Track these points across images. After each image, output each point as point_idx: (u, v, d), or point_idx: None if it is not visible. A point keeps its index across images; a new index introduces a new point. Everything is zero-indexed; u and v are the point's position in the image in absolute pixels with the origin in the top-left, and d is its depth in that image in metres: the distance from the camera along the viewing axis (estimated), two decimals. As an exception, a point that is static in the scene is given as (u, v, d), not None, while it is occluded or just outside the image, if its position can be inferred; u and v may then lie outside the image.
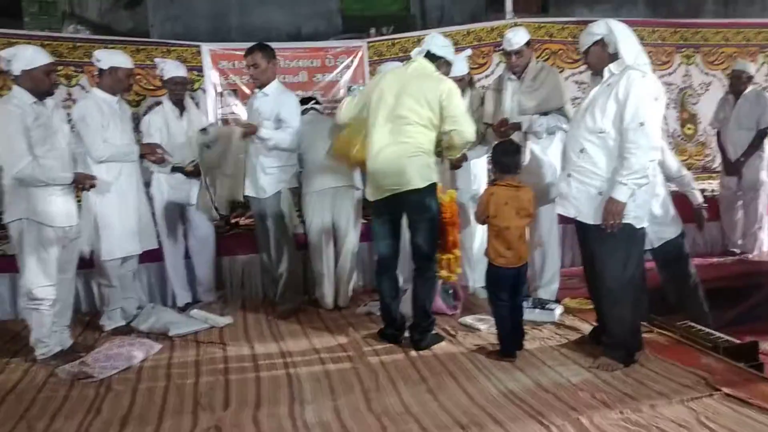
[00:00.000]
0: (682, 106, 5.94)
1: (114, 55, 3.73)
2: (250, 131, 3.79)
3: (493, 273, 3.17)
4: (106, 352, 3.29)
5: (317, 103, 4.33)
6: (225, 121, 5.00)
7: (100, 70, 3.65)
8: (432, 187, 3.25)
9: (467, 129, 3.25)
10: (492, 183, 3.25)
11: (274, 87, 3.93)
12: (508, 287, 3.12)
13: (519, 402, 2.67)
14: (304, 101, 4.26)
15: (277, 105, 3.88)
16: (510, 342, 3.17)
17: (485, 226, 3.22)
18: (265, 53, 3.86)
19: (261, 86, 3.93)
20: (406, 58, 3.73)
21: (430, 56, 3.33)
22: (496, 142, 3.57)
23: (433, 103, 3.15)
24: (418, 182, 3.19)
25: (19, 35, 4.66)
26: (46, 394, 2.96)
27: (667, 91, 5.74)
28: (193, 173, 4.05)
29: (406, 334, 3.43)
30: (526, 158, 3.80)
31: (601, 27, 2.92)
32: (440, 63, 3.36)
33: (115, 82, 3.64)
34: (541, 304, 3.80)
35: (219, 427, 2.56)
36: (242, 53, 4.05)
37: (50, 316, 3.26)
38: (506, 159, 3.13)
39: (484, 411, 2.60)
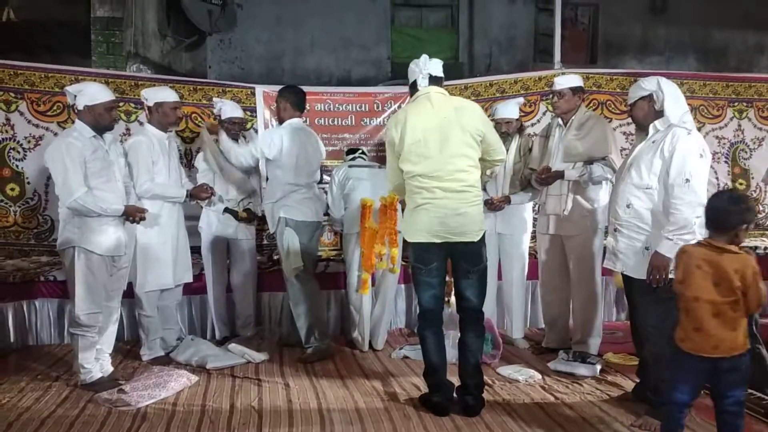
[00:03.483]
0: (733, 161, 5.79)
1: (159, 91, 3.89)
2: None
3: (674, 358, 2.47)
4: (145, 381, 3.34)
5: (363, 153, 4.43)
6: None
7: (149, 108, 3.81)
8: (484, 236, 3.14)
9: (501, 154, 3.20)
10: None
11: (286, 124, 4.03)
12: (691, 381, 2.40)
13: (556, 458, 2.58)
14: (351, 151, 4.45)
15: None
16: None
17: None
18: (280, 96, 4.04)
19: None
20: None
21: (435, 80, 3.14)
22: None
23: (476, 136, 3.04)
24: (478, 233, 3.07)
25: (86, 72, 4.91)
26: (83, 419, 3.01)
27: (719, 146, 5.63)
28: (245, 219, 4.17)
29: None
30: (568, 207, 3.77)
31: (652, 83, 2.95)
32: (442, 83, 3.19)
33: (162, 116, 3.78)
34: (582, 357, 3.70)
35: (249, 464, 2.56)
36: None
37: (95, 342, 3.35)
38: (718, 210, 2.40)
39: (520, 465, 2.52)
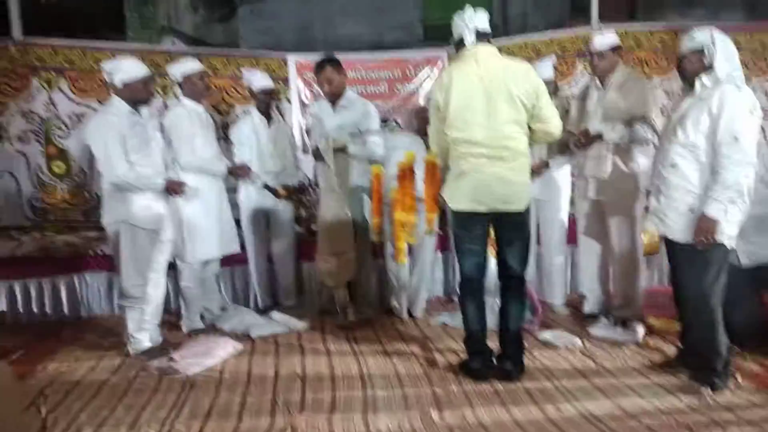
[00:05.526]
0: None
1: (182, 65, 3.91)
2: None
3: None
4: (193, 350, 3.46)
5: (396, 122, 4.38)
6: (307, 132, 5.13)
7: (179, 84, 3.84)
8: (530, 206, 3.07)
9: (557, 130, 3.02)
10: None
11: (349, 98, 4.00)
12: None
13: (599, 424, 2.58)
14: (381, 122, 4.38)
15: (358, 115, 3.95)
16: None
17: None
18: (335, 66, 3.91)
19: (334, 100, 3.99)
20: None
21: (482, 36, 2.99)
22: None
23: (526, 103, 2.89)
24: (525, 203, 3.00)
25: (122, 49, 4.98)
26: (136, 387, 3.14)
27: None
28: (285, 196, 4.22)
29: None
30: (608, 170, 3.68)
31: (705, 36, 2.82)
32: (489, 38, 3.03)
33: (192, 87, 3.82)
34: (623, 322, 3.67)
35: (294, 429, 2.62)
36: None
37: (143, 313, 3.47)
38: None
39: (560, 429, 2.54)
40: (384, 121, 4.44)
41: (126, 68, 3.38)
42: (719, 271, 2.80)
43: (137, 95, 3.39)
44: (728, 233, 2.74)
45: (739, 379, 2.94)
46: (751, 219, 3.05)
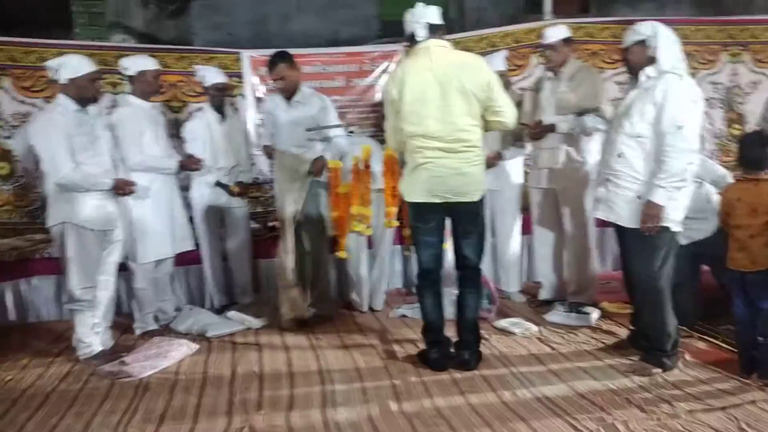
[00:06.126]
0: (728, 106, 5.72)
1: (139, 60, 3.81)
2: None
3: (728, 277, 2.90)
4: (146, 352, 3.38)
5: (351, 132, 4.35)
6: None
7: (130, 77, 3.74)
8: (484, 196, 3.09)
9: (510, 119, 3.03)
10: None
11: (304, 93, 3.96)
12: (739, 292, 2.81)
13: (553, 406, 2.63)
14: None
15: (315, 110, 3.92)
16: (747, 359, 2.83)
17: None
18: (287, 62, 3.84)
19: (289, 96, 3.93)
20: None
21: (434, 29, 3.00)
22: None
23: (479, 96, 2.91)
24: (479, 194, 3.03)
25: (69, 45, 4.83)
26: (87, 392, 3.04)
27: (714, 91, 5.56)
28: (238, 194, 4.16)
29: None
30: (561, 160, 3.74)
31: (647, 28, 2.90)
32: (442, 32, 3.05)
33: (145, 85, 3.73)
34: (577, 308, 3.73)
35: (252, 427, 2.58)
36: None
37: (92, 317, 3.37)
38: (749, 151, 2.81)
39: (516, 414, 2.57)
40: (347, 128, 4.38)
41: (72, 64, 3.27)
42: (667, 255, 2.87)
43: (84, 93, 3.28)
44: (673, 218, 2.81)
45: (687, 357, 3.03)
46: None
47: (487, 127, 3.06)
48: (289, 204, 3.82)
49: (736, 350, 2.97)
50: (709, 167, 3.47)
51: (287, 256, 3.84)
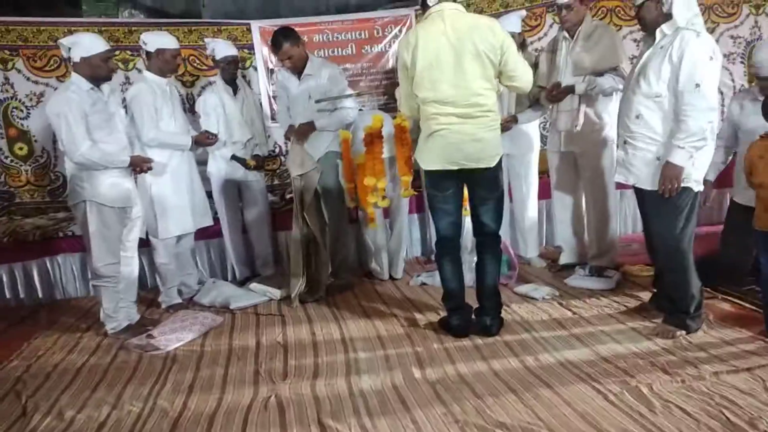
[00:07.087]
0: (749, 61, 5.57)
1: (160, 37, 3.78)
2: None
3: (757, 237, 2.83)
4: (171, 326, 3.44)
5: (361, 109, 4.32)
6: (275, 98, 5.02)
7: (148, 53, 3.71)
8: (501, 160, 3.08)
9: (526, 84, 3.00)
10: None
11: (313, 65, 3.90)
12: (765, 252, 2.77)
13: (576, 370, 2.63)
14: None
15: (324, 82, 3.87)
16: None
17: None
18: (290, 41, 3.78)
19: (300, 71, 3.89)
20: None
21: None
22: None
23: (494, 59, 2.85)
24: (495, 160, 2.97)
25: (79, 23, 4.81)
26: (117, 366, 3.12)
27: (734, 45, 5.41)
28: (255, 167, 4.16)
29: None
30: (580, 122, 3.68)
31: None
32: None
33: (163, 63, 3.70)
34: (598, 271, 3.72)
35: (279, 396, 2.63)
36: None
37: (117, 292, 3.43)
38: None
39: (540, 379, 2.58)
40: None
41: (85, 43, 3.25)
42: (689, 216, 2.83)
43: (97, 71, 3.27)
44: (695, 178, 2.76)
45: (711, 318, 3.02)
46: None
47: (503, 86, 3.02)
48: (296, 169, 3.80)
49: (761, 310, 2.95)
50: None
51: (294, 227, 3.83)
